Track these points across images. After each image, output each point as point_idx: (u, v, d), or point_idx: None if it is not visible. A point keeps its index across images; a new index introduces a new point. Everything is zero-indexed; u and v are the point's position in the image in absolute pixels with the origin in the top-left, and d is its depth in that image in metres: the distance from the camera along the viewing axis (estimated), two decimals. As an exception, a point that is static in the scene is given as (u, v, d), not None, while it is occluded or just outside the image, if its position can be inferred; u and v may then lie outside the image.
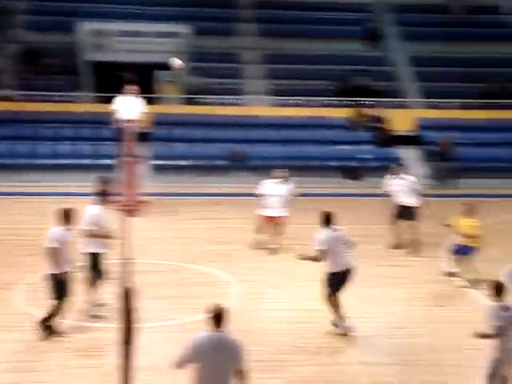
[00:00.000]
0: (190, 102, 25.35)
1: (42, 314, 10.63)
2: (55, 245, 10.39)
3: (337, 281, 10.66)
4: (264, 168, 22.44)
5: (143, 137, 20.78)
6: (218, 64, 26.66)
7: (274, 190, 15.11)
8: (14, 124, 23.21)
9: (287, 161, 22.87)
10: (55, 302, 10.53)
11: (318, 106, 25.30)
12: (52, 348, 10.35)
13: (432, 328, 11.35)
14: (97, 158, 22.09)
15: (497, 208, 19.57)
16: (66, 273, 10.57)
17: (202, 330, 7.22)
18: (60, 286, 10.50)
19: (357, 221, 16.94)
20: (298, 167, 22.94)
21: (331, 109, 25.39)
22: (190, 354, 7.01)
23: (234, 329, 10.77)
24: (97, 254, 11.36)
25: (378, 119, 24.29)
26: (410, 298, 12.73)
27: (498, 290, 8.56)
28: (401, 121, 24.52)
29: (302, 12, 28.64)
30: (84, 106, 24.25)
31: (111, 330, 9.17)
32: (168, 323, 11.03)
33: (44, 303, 11.36)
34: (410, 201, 15.48)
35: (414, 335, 11.08)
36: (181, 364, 7.06)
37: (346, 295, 10.89)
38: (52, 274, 10.48)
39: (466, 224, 13.33)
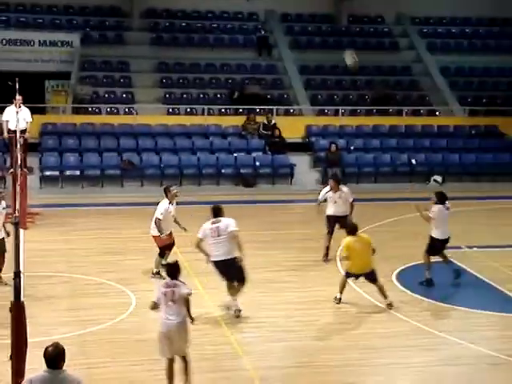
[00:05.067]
0: (80, 111, 24.94)
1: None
2: None
3: None
4: (157, 177, 22.39)
5: (32, 147, 20.16)
6: (107, 73, 26.50)
7: None
8: None
9: (181, 169, 22.84)
10: None
11: (211, 114, 25.37)
12: None
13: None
14: None
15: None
16: None
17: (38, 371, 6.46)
18: None
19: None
20: (193, 175, 22.99)
21: (225, 117, 25.55)
22: None
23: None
24: None
25: (270, 126, 24.52)
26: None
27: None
28: (292, 128, 24.87)
29: (190, 21, 28.84)
30: None
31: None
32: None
33: None
34: None
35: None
36: None
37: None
38: None
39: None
